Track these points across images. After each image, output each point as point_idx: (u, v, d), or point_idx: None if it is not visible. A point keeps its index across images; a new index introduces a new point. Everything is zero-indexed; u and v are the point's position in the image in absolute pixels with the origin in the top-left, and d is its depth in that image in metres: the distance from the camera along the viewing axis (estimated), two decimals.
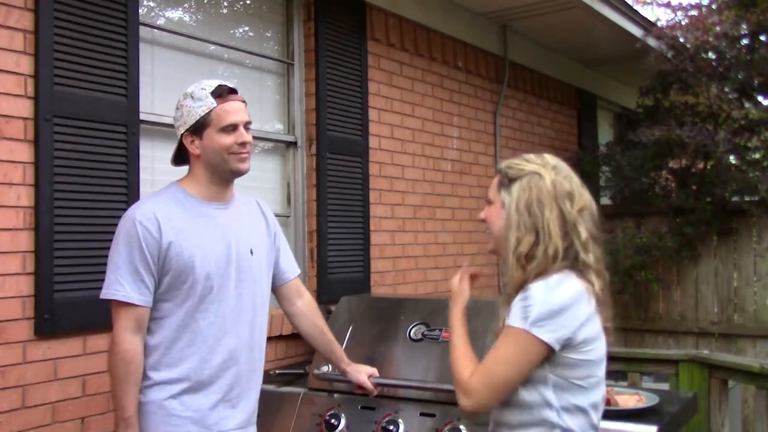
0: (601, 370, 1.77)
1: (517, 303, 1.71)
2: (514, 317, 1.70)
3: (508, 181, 1.83)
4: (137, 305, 2.09)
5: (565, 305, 1.68)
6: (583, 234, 1.76)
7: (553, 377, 1.70)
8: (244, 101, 2.25)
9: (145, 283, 2.10)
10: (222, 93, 2.18)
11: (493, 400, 1.74)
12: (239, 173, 2.25)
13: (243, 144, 2.19)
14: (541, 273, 1.72)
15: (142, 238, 2.10)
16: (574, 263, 1.75)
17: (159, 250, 2.11)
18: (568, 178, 1.82)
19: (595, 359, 1.73)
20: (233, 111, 2.18)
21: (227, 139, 2.17)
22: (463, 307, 1.96)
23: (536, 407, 1.72)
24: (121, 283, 2.09)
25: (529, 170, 1.81)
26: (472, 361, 1.78)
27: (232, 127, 2.18)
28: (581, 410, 1.72)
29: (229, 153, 2.18)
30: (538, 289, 1.70)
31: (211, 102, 2.16)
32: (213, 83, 2.21)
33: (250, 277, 2.27)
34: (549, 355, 1.69)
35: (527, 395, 1.72)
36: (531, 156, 1.86)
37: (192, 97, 2.18)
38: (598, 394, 1.77)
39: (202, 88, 2.18)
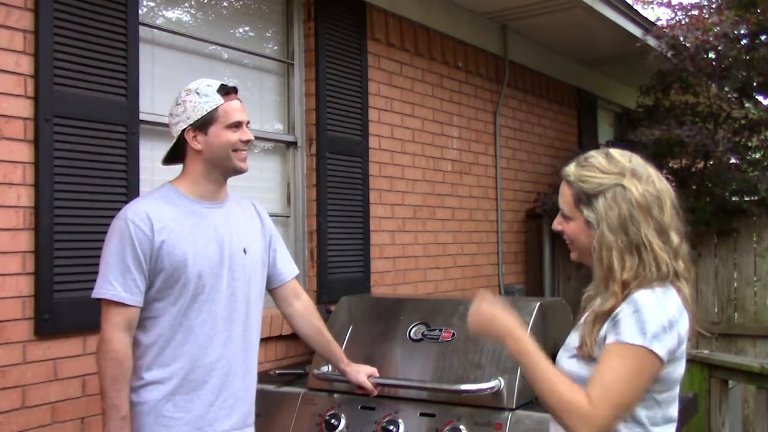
0: (677, 388, 1.69)
1: (628, 316, 1.59)
2: (630, 333, 1.57)
3: (586, 197, 1.69)
4: (128, 305, 2.09)
5: (674, 318, 1.60)
6: (675, 239, 1.66)
7: None
8: (241, 101, 2.31)
9: (136, 282, 2.10)
10: (228, 91, 2.24)
11: (615, 422, 1.60)
12: (240, 172, 2.29)
13: (247, 141, 2.25)
14: (642, 285, 1.63)
15: (134, 236, 2.10)
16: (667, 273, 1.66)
17: (151, 248, 2.11)
18: (649, 178, 1.69)
19: (677, 377, 1.66)
20: (238, 109, 2.25)
21: (233, 136, 2.21)
22: (519, 328, 1.69)
23: None
24: (112, 283, 2.09)
25: (610, 183, 1.67)
26: (573, 387, 1.60)
27: (238, 125, 2.23)
28: (648, 421, 1.64)
29: (233, 149, 2.22)
30: (648, 299, 1.60)
31: (219, 99, 2.20)
32: (216, 81, 2.25)
33: (243, 277, 2.27)
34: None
35: None
36: (600, 161, 1.71)
37: (197, 93, 2.20)
38: (670, 411, 1.68)
39: (208, 85, 2.22)
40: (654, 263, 1.63)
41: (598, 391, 1.56)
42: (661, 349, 1.57)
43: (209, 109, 2.18)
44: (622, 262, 1.64)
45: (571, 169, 1.75)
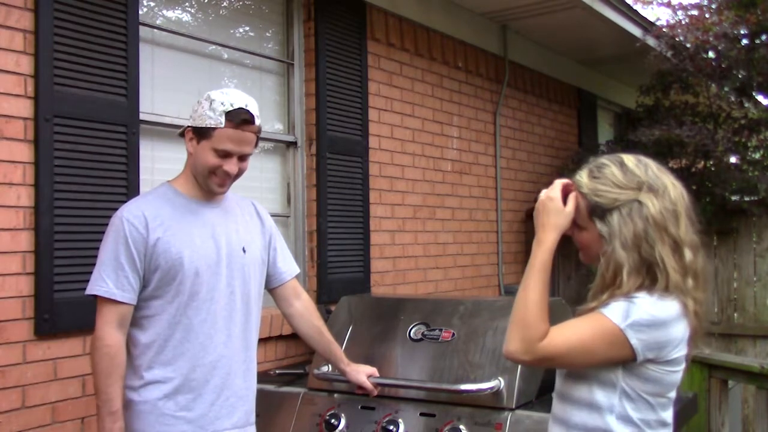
0: (672, 393, 1.69)
1: (619, 302, 1.61)
2: (614, 313, 1.60)
3: (601, 211, 1.67)
4: (119, 302, 2.10)
5: (666, 321, 1.60)
6: (688, 256, 1.64)
7: (623, 385, 1.63)
8: (256, 132, 2.20)
9: (129, 280, 2.10)
10: (235, 119, 2.13)
11: (543, 365, 1.71)
12: (213, 193, 2.25)
13: (228, 173, 2.18)
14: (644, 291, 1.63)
15: (128, 235, 2.10)
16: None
17: (146, 246, 2.11)
18: (665, 190, 1.66)
19: (671, 381, 1.66)
20: (235, 140, 2.15)
21: (215, 161, 2.16)
22: (559, 234, 1.70)
23: (602, 410, 1.65)
24: (104, 280, 2.09)
25: (626, 199, 1.65)
26: (546, 317, 1.63)
27: (225, 154, 2.16)
28: (642, 423, 1.65)
29: (210, 172, 2.18)
30: (643, 297, 1.61)
31: (220, 122, 2.13)
32: (237, 101, 2.15)
33: (241, 276, 2.27)
34: (628, 363, 1.61)
35: (601, 397, 1.65)
36: (614, 173, 1.68)
37: (210, 104, 2.15)
38: (664, 415, 1.69)
39: (222, 103, 2.14)
40: (664, 282, 1.62)
41: (556, 337, 1.61)
42: (637, 341, 1.58)
43: (208, 126, 2.14)
44: (629, 279, 1.63)
45: (584, 179, 1.72)
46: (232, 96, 2.16)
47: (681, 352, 1.65)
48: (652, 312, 1.59)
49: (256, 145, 2.25)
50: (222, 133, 2.14)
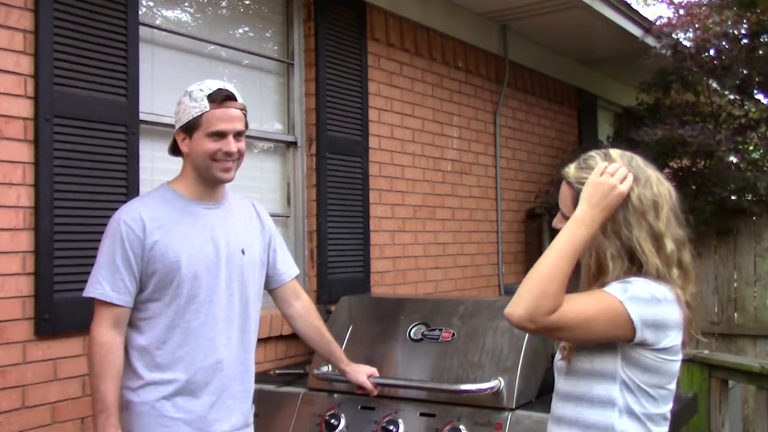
0: (672, 385, 1.70)
1: (616, 284, 1.64)
2: (614, 289, 1.63)
3: None
4: (114, 304, 2.10)
5: (662, 299, 1.62)
6: (669, 247, 1.67)
7: (623, 376, 1.64)
8: (242, 108, 2.22)
9: (125, 282, 2.10)
10: (217, 98, 2.15)
11: (539, 336, 1.71)
12: (221, 182, 2.24)
13: (228, 153, 2.17)
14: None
15: (125, 236, 2.10)
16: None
17: (143, 249, 2.11)
18: (648, 182, 1.70)
19: (670, 371, 1.67)
20: (225, 118, 2.16)
21: (213, 145, 2.15)
22: (611, 210, 1.66)
23: (604, 405, 1.66)
24: (101, 282, 2.10)
25: None
26: (564, 292, 1.60)
27: (220, 135, 2.15)
28: (645, 418, 1.66)
29: (212, 159, 2.17)
30: (637, 279, 1.64)
31: (205, 105, 2.13)
32: (213, 85, 2.19)
33: (241, 278, 2.27)
34: (626, 343, 1.62)
35: (602, 391, 1.66)
36: (598, 162, 1.72)
37: (190, 96, 2.17)
38: (666, 409, 1.70)
39: (201, 89, 2.16)
40: (647, 266, 1.65)
41: (563, 310, 1.58)
42: (635, 314, 1.59)
43: (195, 115, 2.14)
44: (614, 264, 1.67)
45: (571, 170, 1.77)
46: (207, 82, 2.20)
47: (676, 340, 1.66)
48: (648, 289, 1.62)
49: (247, 126, 2.25)
50: (210, 115, 2.14)
